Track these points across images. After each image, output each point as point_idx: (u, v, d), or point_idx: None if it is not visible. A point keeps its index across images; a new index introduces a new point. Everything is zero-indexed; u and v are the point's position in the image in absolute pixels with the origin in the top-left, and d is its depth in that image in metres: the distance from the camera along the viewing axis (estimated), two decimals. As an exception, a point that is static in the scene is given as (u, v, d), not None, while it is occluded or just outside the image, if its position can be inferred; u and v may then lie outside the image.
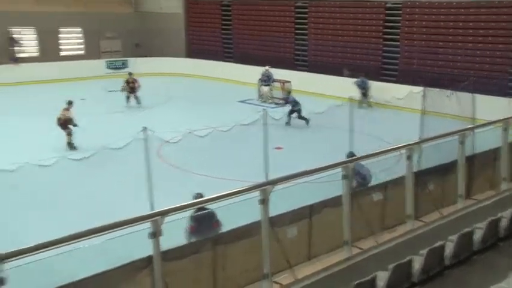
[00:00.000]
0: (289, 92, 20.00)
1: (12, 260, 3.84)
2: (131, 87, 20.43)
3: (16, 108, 19.60)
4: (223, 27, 28.41)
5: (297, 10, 25.27)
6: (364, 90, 20.39)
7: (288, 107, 17.45)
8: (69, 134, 14.37)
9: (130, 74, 21.44)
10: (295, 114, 16.96)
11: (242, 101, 21.60)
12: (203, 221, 6.56)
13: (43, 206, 9.60)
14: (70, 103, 14.90)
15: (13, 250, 3.82)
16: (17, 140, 14.99)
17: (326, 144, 14.04)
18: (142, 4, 31.05)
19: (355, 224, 6.02)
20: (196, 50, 29.25)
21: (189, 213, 6.33)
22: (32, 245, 3.95)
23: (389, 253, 6.12)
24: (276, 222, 5.45)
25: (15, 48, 26.31)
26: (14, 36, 26.44)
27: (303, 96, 20.41)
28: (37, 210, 9.44)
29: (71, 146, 14.29)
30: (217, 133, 12.46)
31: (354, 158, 6.89)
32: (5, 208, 9.22)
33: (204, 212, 6.36)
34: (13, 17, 25.94)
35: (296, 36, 25.32)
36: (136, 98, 20.39)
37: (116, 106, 20.09)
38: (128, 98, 20.33)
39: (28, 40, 27.30)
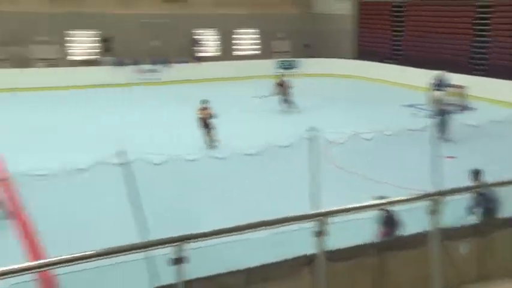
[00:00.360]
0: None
1: (191, 242, 4.25)
2: (282, 89, 19.75)
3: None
4: (394, 28, 27.57)
5: (478, 10, 23.41)
6: None
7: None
8: (210, 132, 14.57)
9: (282, 75, 20.88)
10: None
11: (410, 106, 20.76)
12: (392, 224, 6.48)
13: (216, 197, 10.37)
14: (205, 102, 15.21)
15: (194, 233, 4.21)
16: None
17: (504, 155, 12.81)
18: (313, 6, 31.61)
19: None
20: (364, 51, 28.87)
21: (366, 215, 6.23)
22: (210, 230, 4.30)
23: None
24: (448, 235, 5.14)
25: (197, 48, 28.74)
26: (196, 37, 28.91)
27: (480, 103, 18.89)
28: (211, 200, 10.23)
29: (212, 143, 14.38)
30: (383, 137, 12.19)
31: None
32: (184, 196, 10.20)
33: (390, 214, 6.27)
34: (196, 20, 28.39)
35: (475, 39, 23.49)
36: (286, 101, 19.73)
37: (281, 105, 20.82)
38: (284, 100, 19.78)
39: (209, 41, 29.66)
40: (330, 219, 4.64)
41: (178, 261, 4.06)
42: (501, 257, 5.45)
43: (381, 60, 27.06)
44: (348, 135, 11.66)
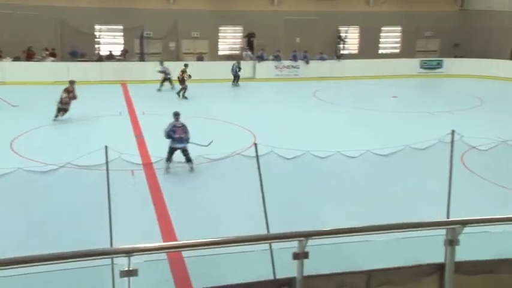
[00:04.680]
0: None
1: (314, 238, 4.30)
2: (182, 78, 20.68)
3: (333, 102, 21.40)
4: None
5: None
6: None
7: None
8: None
9: (186, 65, 21.45)
10: None
11: None
12: None
13: (345, 194, 10.32)
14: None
15: (317, 230, 4.27)
16: (333, 130, 16.40)
17: None
18: (470, 2, 29.53)
19: None
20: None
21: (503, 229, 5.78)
22: (332, 228, 4.33)
23: None
24: None
25: (340, 45, 28.58)
26: (340, 34, 28.76)
27: None
28: (340, 197, 10.21)
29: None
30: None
31: None
32: (316, 190, 10.30)
33: None
34: (341, 17, 28.24)
35: None
36: None
37: (423, 106, 19.90)
38: None
39: (351, 38, 29.35)
40: (463, 229, 4.39)
41: (300, 255, 4.15)
42: None
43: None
44: (494, 142, 10.78)
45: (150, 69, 24.43)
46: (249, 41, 27.40)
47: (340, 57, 27.72)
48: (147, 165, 11.42)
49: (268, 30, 26.93)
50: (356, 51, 29.22)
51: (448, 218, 7.22)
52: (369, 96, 22.25)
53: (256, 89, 23.93)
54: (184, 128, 11.58)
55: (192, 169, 11.48)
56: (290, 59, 26.50)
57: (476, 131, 12.63)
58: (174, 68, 23.62)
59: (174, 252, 6.37)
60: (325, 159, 9.12)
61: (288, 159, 9.00)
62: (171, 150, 11.50)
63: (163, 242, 7.96)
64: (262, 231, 6.40)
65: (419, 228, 4.48)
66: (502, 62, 26.48)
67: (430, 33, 29.44)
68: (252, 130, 15.54)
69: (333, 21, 28.14)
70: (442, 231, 4.47)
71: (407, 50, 29.37)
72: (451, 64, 27.64)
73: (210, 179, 10.36)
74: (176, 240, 8.04)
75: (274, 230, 7.01)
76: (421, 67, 27.82)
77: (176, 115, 11.79)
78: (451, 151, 8.28)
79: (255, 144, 7.22)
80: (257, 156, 7.09)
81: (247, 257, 6.05)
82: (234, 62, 24.45)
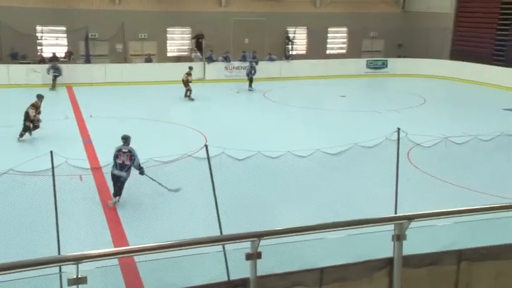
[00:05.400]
0: None
1: (266, 239, 4.33)
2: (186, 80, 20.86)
3: (282, 102, 21.61)
4: (499, 27, 25.90)
5: None
6: None
7: None
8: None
9: (190, 68, 21.61)
10: None
11: (509, 109, 19.50)
12: None
13: (296, 194, 10.44)
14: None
15: (269, 230, 4.29)
16: (282, 129, 16.56)
17: None
18: (410, 4, 30.56)
19: None
20: (461, 51, 27.43)
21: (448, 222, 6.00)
22: (286, 228, 4.37)
23: None
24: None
25: (289, 46, 28.88)
26: (289, 35, 29.07)
27: None
28: (292, 196, 10.32)
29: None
30: (477, 142, 11.56)
31: None
32: (267, 191, 10.37)
33: None
34: (289, 18, 28.55)
35: None
36: None
37: (370, 105, 20.43)
38: None
39: (299, 39, 29.73)
40: (410, 224, 4.53)
41: (253, 256, 4.17)
42: None
43: (480, 61, 25.56)
44: (437, 139, 11.20)
45: (97, 71, 23.90)
46: (198, 42, 27.24)
47: (289, 57, 28.03)
48: (96, 170, 11.14)
49: (217, 31, 26.89)
50: (304, 52, 29.63)
51: (395, 214, 7.46)
52: (318, 96, 22.65)
53: (207, 90, 23.84)
54: (130, 155, 9.97)
55: (113, 204, 9.88)
56: (240, 60, 26.56)
57: (421, 129, 13.08)
58: (121, 70, 23.28)
59: (126, 257, 6.25)
60: (276, 159, 9.20)
61: (239, 160, 9.02)
62: (112, 178, 10.07)
63: (114, 247, 7.80)
64: (215, 233, 6.39)
65: (369, 224, 4.59)
66: (442, 62, 27.55)
67: (375, 33, 30.27)
68: (203, 132, 15.47)
69: (281, 22, 28.43)
70: (390, 227, 4.60)
71: (353, 50, 30.07)
72: (395, 64, 28.53)
73: (161, 182, 10.21)
74: (128, 245, 7.90)
75: (227, 231, 7.01)
76: (367, 67, 28.55)
77: (124, 139, 10.24)
78: (397, 148, 8.56)
79: (206, 146, 7.20)
80: (208, 158, 7.07)
81: (201, 259, 6.01)
82: (249, 63, 24.12)
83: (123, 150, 10.11)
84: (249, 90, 23.36)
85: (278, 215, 9.06)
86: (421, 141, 11.36)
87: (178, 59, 27.52)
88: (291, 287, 4.62)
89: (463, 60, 26.49)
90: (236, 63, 26.45)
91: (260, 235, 4.18)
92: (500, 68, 24.69)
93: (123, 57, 26.37)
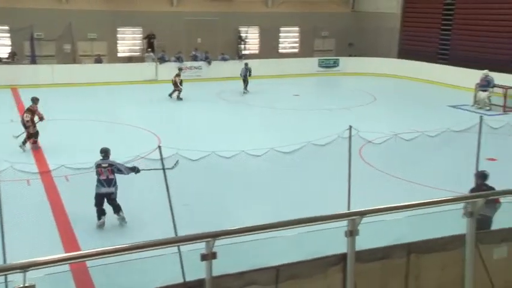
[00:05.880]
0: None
1: (221, 239, 4.32)
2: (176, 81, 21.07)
3: (237, 101, 21.62)
4: (443, 27, 26.86)
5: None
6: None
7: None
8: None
9: (180, 69, 22.39)
10: None
11: (454, 106, 20.27)
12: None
13: (251, 193, 10.48)
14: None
15: (223, 230, 4.28)
16: (236, 129, 16.57)
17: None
18: (359, 4, 31.23)
19: None
20: (408, 50, 28.27)
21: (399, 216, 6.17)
22: (241, 227, 4.37)
23: None
24: (483, 239, 5.04)
25: (241, 46, 28.93)
26: (241, 35, 29.11)
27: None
28: (246, 196, 10.35)
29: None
30: (424, 138, 11.95)
31: None
32: (222, 191, 10.35)
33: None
34: (241, 17, 28.59)
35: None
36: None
37: (323, 103, 20.76)
38: None
39: (252, 38, 29.83)
40: (362, 220, 4.63)
41: (208, 256, 4.14)
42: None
43: (426, 59, 26.44)
44: (387, 136, 11.51)
45: (44, 72, 23.17)
46: (150, 42, 26.86)
47: (241, 57, 28.05)
48: (44, 174, 10.80)
49: (169, 31, 26.59)
50: (257, 51, 29.75)
51: (348, 210, 7.61)
52: (272, 95, 22.78)
53: (159, 91, 23.54)
54: (113, 169, 9.21)
55: (123, 220, 9.18)
56: (192, 59, 26.45)
57: (372, 126, 13.38)
58: (70, 70, 22.64)
59: (78, 263, 6.09)
60: (230, 159, 9.20)
61: (193, 160, 8.97)
62: (96, 198, 9.19)
63: (65, 252, 7.59)
64: (170, 234, 6.32)
65: (322, 221, 4.64)
66: (390, 60, 28.31)
67: (326, 33, 30.74)
68: (156, 133, 15.28)
69: (233, 22, 28.43)
70: (344, 223, 4.69)
71: (305, 50, 30.44)
72: (346, 63, 29.09)
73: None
74: (79, 250, 7.70)
75: (182, 233, 6.94)
76: (319, 66, 28.96)
77: (104, 152, 9.36)
78: (349, 146, 8.73)
79: (159, 147, 7.12)
80: (161, 159, 6.99)
81: (156, 261, 5.93)
82: (244, 65, 23.53)
83: (103, 165, 9.23)
84: (244, 92, 22.96)
85: (233, 215, 9.06)
86: (372, 138, 11.62)
87: (129, 60, 27.06)
88: (246, 286, 4.63)
89: (410, 58, 27.32)
90: (189, 63, 26.26)
91: (215, 235, 4.16)
92: (444, 66, 25.61)
93: (72, 58, 25.66)
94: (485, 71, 20.22)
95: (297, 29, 30.68)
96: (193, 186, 10.03)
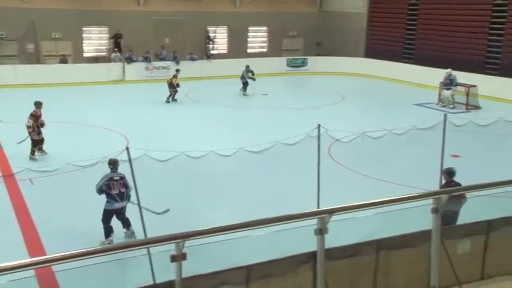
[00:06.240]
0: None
1: (192, 239, 4.29)
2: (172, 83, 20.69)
3: (206, 101, 21.53)
4: (407, 27, 27.38)
5: (494, 8, 23.17)
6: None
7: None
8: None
9: (177, 70, 21.64)
10: None
11: (419, 104, 20.69)
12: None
13: (221, 193, 10.44)
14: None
15: (193, 230, 4.25)
16: (205, 129, 16.49)
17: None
18: (326, 4, 31.52)
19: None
20: (375, 50, 28.71)
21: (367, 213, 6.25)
22: (211, 227, 4.35)
23: None
24: (448, 234, 5.16)
25: (210, 45, 28.82)
26: (209, 34, 29.00)
27: (491, 103, 18.82)
28: (216, 196, 10.31)
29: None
30: (391, 136, 12.14)
31: None
32: (191, 191, 10.28)
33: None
34: (209, 17, 28.49)
35: (490, 37, 23.27)
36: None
37: (292, 102, 20.87)
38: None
39: (220, 38, 29.74)
40: (331, 218, 4.67)
41: (177, 257, 4.12)
42: (501, 256, 5.46)
43: (392, 59, 26.90)
44: (355, 134, 11.65)
45: (6, 72, 22.56)
46: (116, 42, 26.48)
47: (210, 57, 27.97)
48: (7, 177, 10.50)
49: (136, 30, 26.26)
50: (225, 51, 29.69)
51: (318, 208, 7.67)
52: (241, 95, 22.76)
53: (127, 92, 23.27)
54: (124, 182, 8.55)
55: (133, 234, 8.51)
56: (158, 57, 26.24)
57: (340, 125, 13.54)
58: (33, 71, 22.10)
59: (43, 268, 5.95)
60: (199, 159, 9.14)
61: (162, 161, 8.87)
62: (107, 214, 8.48)
63: (30, 257, 7.40)
64: (140, 236, 6.25)
65: (292, 220, 4.67)
66: (357, 60, 28.69)
67: (294, 32, 30.91)
68: (125, 134, 15.07)
69: (201, 22, 28.29)
70: (314, 221, 4.72)
71: (274, 49, 30.53)
72: (315, 62, 29.32)
73: (80, 186, 9.82)
74: (45, 255, 7.52)
75: (151, 234, 6.87)
76: (288, 65, 29.11)
77: (112, 164, 8.67)
78: (318, 144, 8.80)
79: (127, 148, 7.02)
80: (130, 160, 6.90)
81: (125, 264, 5.86)
82: (245, 67, 23.01)
83: (115, 178, 8.53)
84: (244, 95, 22.62)
85: (204, 215, 9.00)
86: (340, 136, 11.74)
87: (96, 60, 26.61)
88: (218, 286, 4.62)
89: (376, 58, 27.75)
90: (157, 63, 26.02)
91: (185, 236, 4.14)
92: (410, 65, 26.10)
93: (36, 58, 25.06)
94: (449, 70, 20.69)
95: (265, 28, 30.76)
96: (162, 187, 9.93)
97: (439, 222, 4.91)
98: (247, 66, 23.05)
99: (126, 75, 25.16)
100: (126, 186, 8.56)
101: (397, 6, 27.93)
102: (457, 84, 20.43)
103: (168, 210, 9.14)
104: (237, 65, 27.17)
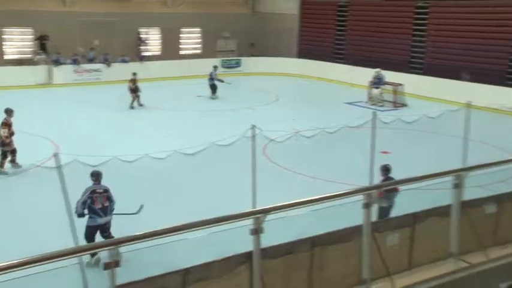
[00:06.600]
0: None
1: (126, 245, 4.19)
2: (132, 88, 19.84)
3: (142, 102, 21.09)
4: (338, 28, 28.18)
5: (416, 11, 24.32)
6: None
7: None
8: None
9: (134, 74, 20.33)
10: None
11: (350, 103, 21.34)
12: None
13: (155, 197, 10.28)
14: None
15: (127, 236, 4.15)
16: (141, 133, 16.17)
17: (437, 151, 13.43)
18: (259, 5, 31.82)
19: (463, 236, 5.72)
20: (307, 50, 29.34)
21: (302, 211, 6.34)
22: (144, 232, 4.26)
23: (503, 271, 5.72)
24: (377, 228, 5.35)
25: (142, 47, 28.30)
26: (141, 36, 28.46)
27: (416, 100, 19.69)
28: (149, 200, 10.13)
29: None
30: (324, 134, 12.44)
31: (469, 167, 6.45)
32: (125, 196, 10.04)
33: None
34: (140, 18, 27.97)
35: (413, 38, 24.40)
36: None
37: (227, 104, 20.90)
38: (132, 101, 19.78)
39: (153, 40, 29.28)
40: (266, 217, 4.72)
41: (110, 265, 4.00)
42: (426, 245, 5.74)
43: (324, 59, 27.59)
44: (289, 133, 11.85)
45: None
46: (42, 43, 25.39)
47: (142, 59, 27.47)
48: None
49: (63, 32, 25.28)
50: (159, 53, 29.26)
51: (254, 208, 7.72)
52: (175, 97, 22.52)
53: (55, 96, 22.38)
54: (108, 195, 8.11)
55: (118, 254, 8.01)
56: (89, 63, 25.44)
57: (275, 125, 13.69)
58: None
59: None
60: (133, 163, 8.96)
61: (93, 166, 8.61)
62: (91, 231, 7.83)
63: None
64: (70, 245, 6.03)
65: (228, 221, 4.66)
66: (291, 60, 29.18)
67: (228, 34, 30.97)
68: (54, 140, 14.50)
69: (133, 23, 27.72)
70: (250, 221, 4.74)
71: (208, 50, 30.42)
72: (248, 63, 29.53)
73: (8, 195, 9.37)
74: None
75: (84, 242, 6.65)
76: (222, 66, 29.07)
77: (95, 176, 8.15)
78: (253, 145, 8.87)
79: (56, 154, 6.75)
80: (59, 167, 6.64)
81: (56, 274, 5.62)
82: (213, 68, 22.15)
83: (98, 190, 8.05)
84: (212, 98, 22.11)
85: (138, 220, 8.82)
86: (275, 136, 11.90)
87: (20, 62, 25.37)
88: (153, 292, 4.53)
89: (309, 58, 28.36)
90: (87, 66, 25.23)
91: (117, 243, 4.04)
92: (340, 65, 26.88)
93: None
94: (377, 69, 21.50)
95: (198, 29, 30.59)
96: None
97: (369, 216, 5.08)
98: (215, 67, 22.75)
99: (54, 78, 24.21)
100: (109, 199, 8.11)
101: (328, 8, 28.68)
102: (385, 83, 21.26)
103: (142, 206, 8.65)
104: (171, 67, 26.96)
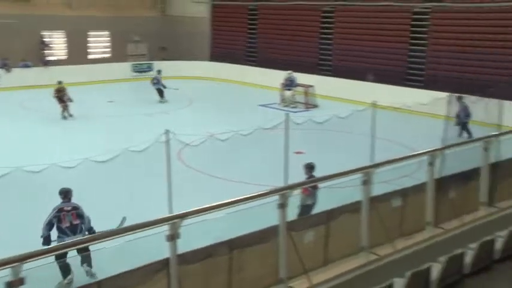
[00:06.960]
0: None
1: (31, 261, 3.93)
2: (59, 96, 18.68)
3: (44, 111, 20.03)
4: (249, 31, 28.53)
5: (323, 15, 25.23)
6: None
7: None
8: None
9: (60, 82, 19.16)
10: None
11: (264, 105, 21.67)
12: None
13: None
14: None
15: (32, 251, 3.90)
16: (47, 142, 15.34)
17: (347, 149, 13.99)
18: (170, 8, 31.44)
19: (373, 230, 5.99)
20: (219, 53, 29.44)
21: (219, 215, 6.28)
22: (49, 246, 4.04)
23: (407, 260, 6.06)
24: (293, 227, 5.46)
25: (46, 51, 26.90)
26: (44, 39, 27.06)
27: (326, 101, 20.40)
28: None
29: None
30: (238, 137, 12.53)
31: (376, 163, 6.77)
32: (33, 207, 9.47)
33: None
34: (43, 21, 26.58)
35: (321, 41, 25.28)
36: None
37: (140, 108, 20.43)
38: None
39: (57, 43, 27.95)
40: (183, 222, 4.64)
41: (15, 283, 3.75)
42: (339, 241, 5.96)
43: (237, 62, 27.80)
44: (203, 137, 11.79)
45: None
46: None
47: (47, 63, 26.12)
48: None
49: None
50: (65, 57, 27.97)
51: (170, 214, 7.58)
52: (84, 103, 21.54)
53: None
54: (78, 212, 7.62)
55: (93, 276, 6.95)
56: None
57: (189, 129, 13.56)
58: None
59: None
60: (39, 173, 8.47)
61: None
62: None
63: None
64: None
65: (143, 228, 4.54)
66: (203, 63, 29.12)
67: (138, 37, 30.26)
68: None
69: (35, 26, 26.25)
70: (166, 227, 4.64)
71: (118, 54, 29.53)
72: (160, 67, 28.96)
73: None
74: None
75: None
76: (133, 71, 28.41)
77: (63, 193, 7.73)
78: (167, 150, 8.72)
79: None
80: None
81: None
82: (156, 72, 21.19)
83: (66, 208, 7.53)
84: (161, 102, 21.66)
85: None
86: (189, 140, 11.79)
87: None
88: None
89: (221, 61, 28.44)
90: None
91: (22, 259, 3.78)
92: (253, 68, 27.23)
93: None
94: (289, 72, 22.01)
95: (107, 33, 29.63)
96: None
97: (285, 216, 5.17)
98: (159, 71, 22.62)
99: None
100: (80, 216, 7.57)
101: (238, 11, 28.96)
102: (297, 85, 21.81)
103: (125, 218, 8.12)
104: (79, 71, 25.83)
